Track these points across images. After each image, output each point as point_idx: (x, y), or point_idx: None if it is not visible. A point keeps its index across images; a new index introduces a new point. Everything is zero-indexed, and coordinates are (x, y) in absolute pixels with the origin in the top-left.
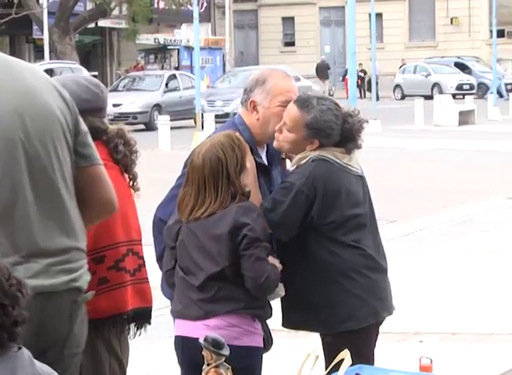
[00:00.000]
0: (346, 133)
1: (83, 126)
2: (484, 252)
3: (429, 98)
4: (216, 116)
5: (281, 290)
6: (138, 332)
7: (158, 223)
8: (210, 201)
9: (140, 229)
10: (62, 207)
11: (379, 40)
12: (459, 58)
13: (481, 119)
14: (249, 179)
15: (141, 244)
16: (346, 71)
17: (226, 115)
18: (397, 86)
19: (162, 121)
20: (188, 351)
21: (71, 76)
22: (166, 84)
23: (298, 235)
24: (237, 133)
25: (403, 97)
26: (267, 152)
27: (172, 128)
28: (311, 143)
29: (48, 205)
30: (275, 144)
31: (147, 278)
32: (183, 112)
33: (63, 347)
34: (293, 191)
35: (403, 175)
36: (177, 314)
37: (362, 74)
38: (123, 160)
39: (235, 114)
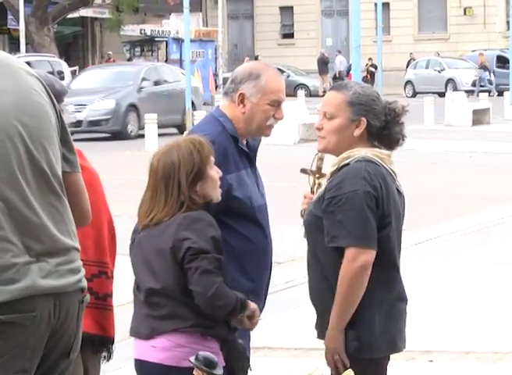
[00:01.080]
0: (391, 115)
1: (67, 127)
2: (500, 264)
3: (443, 95)
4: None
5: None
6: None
7: None
8: (158, 208)
9: None
10: (59, 207)
11: (386, 32)
12: (502, 50)
13: (496, 118)
14: (213, 189)
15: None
16: (351, 66)
17: (78, 123)
18: (408, 82)
19: (149, 120)
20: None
21: None
22: None
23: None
24: (205, 139)
25: (415, 94)
26: (247, 147)
27: (159, 128)
28: (358, 125)
29: (48, 206)
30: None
31: None
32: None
33: (69, 352)
34: (358, 198)
35: (410, 179)
36: (132, 332)
37: (373, 69)
38: None
39: (92, 123)
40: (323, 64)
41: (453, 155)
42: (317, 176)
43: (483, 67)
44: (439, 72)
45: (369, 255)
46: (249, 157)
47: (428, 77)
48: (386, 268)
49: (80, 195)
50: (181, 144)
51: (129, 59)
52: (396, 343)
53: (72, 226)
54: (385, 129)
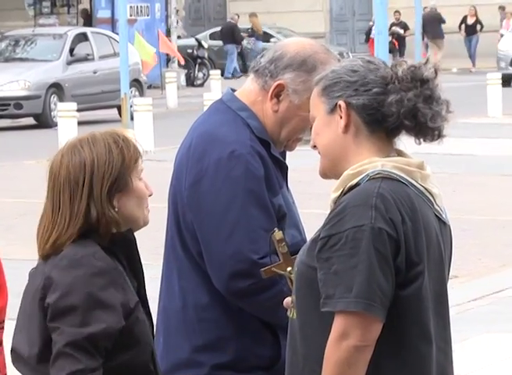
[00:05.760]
0: (401, 80)
1: None
2: None
3: None
4: None
5: None
6: None
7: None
8: (60, 227)
9: None
10: None
11: None
12: None
13: None
14: (138, 209)
15: None
16: (371, 28)
17: None
18: None
19: (65, 112)
20: None
21: None
22: (71, 51)
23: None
24: (127, 133)
25: None
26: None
27: (81, 123)
28: (333, 112)
29: None
30: (319, 169)
31: None
32: (99, 97)
33: None
34: (365, 239)
35: (468, 200)
36: None
37: (401, 31)
38: None
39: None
40: (436, 23)
41: None
42: (288, 270)
43: (255, 35)
44: None
45: (371, 330)
46: (283, 169)
47: None
48: (413, 341)
49: None
50: (97, 137)
51: (34, 19)
52: None
53: None
54: (382, 105)
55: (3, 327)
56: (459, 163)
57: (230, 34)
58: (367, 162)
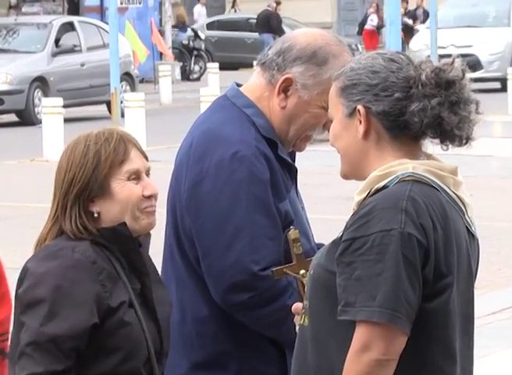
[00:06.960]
0: (425, 85)
1: None
2: None
3: None
4: None
5: None
6: None
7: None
8: (48, 228)
9: None
10: None
11: None
12: None
13: None
14: (122, 212)
15: None
16: (366, 17)
17: None
18: None
19: (50, 108)
20: None
21: None
22: (57, 41)
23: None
24: (121, 131)
25: None
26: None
27: (68, 120)
28: (352, 116)
29: None
30: (340, 171)
31: None
32: (87, 92)
33: None
34: (393, 245)
35: (489, 205)
36: None
37: (409, 21)
38: None
39: None
40: None
41: None
42: (301, 273)
43: (180, 26)
44: None
45: (394, 343)
46: (291, 171)
47: None
48: (436, 359)
49: None
50: (81, 139)
51: (16, 8)
52: None
53: None
54: (404, 113)
55: (8, 338)
56: (477, 165)
57: (266, 23)
58: (396, 163)
